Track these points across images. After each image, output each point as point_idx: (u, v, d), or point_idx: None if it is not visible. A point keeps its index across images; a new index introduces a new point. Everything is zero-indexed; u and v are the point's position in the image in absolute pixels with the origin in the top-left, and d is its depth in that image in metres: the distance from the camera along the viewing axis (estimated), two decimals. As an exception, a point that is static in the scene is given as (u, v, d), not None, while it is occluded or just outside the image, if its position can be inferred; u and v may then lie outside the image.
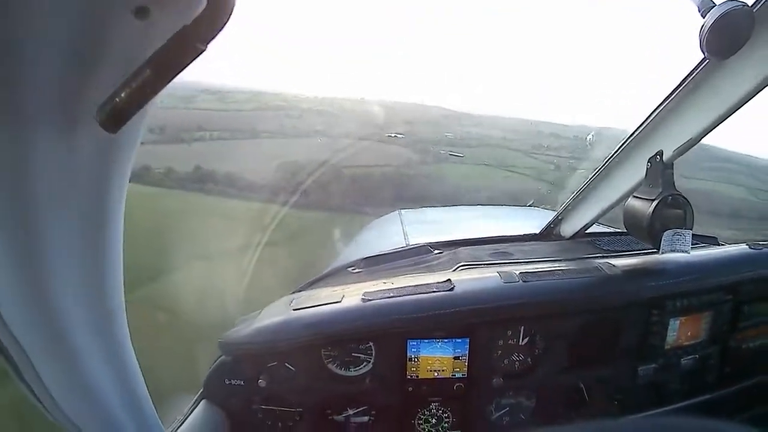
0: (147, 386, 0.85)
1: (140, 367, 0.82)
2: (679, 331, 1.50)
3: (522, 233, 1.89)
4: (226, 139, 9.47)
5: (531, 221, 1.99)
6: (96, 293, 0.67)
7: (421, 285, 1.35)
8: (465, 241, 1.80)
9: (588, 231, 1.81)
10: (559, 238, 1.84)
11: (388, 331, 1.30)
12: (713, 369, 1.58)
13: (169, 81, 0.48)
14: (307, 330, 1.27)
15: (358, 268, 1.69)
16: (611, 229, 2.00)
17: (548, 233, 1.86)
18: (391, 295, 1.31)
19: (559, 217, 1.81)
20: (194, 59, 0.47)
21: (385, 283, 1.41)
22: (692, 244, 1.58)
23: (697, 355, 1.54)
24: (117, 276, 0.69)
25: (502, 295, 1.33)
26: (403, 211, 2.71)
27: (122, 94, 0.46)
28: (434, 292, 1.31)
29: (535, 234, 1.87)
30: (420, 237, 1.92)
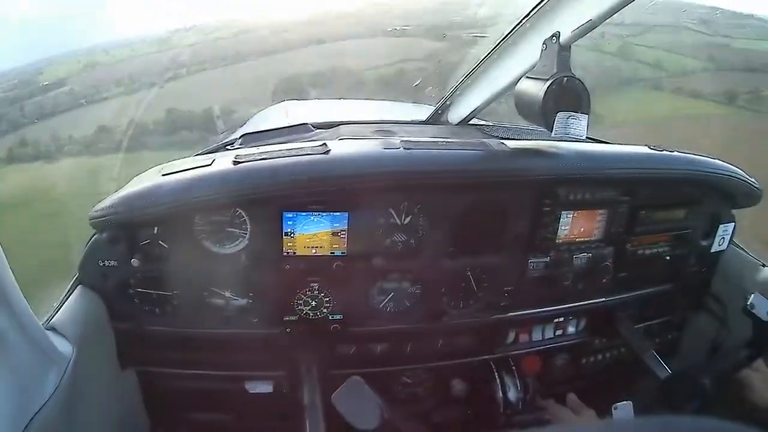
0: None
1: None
2: (571, 226, 1.47)
3: (409, 120, 1.81)
4: (206, 70, 8.33)
5: (424, 112, 1.88)
6: None
7: (295, 149, 1.28)
8: (348, 122, 1.72)
9: (478, 123, 1.75)
10: (446, 123, 1.77)
11: (261, 199, 1.22)
12: (607, 271, 1.56)
13: None
14: (174, 194, 1.19)
15: (237, 144, 1.59)
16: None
17: (435, 119, 1.78)
18: (264, 158, 1.23)
19: (447, 102, 1.72)
20: None
21: (259, 149, 1.32)
22: (593, 142, 1.60)
23: (590, 254, 1.52)
24: None
25: (381, 161, 1.26)
26: (290, 102, 2.67)
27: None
28: (308, 155, 1.23)
29: (421, 120, 1.80)
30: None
